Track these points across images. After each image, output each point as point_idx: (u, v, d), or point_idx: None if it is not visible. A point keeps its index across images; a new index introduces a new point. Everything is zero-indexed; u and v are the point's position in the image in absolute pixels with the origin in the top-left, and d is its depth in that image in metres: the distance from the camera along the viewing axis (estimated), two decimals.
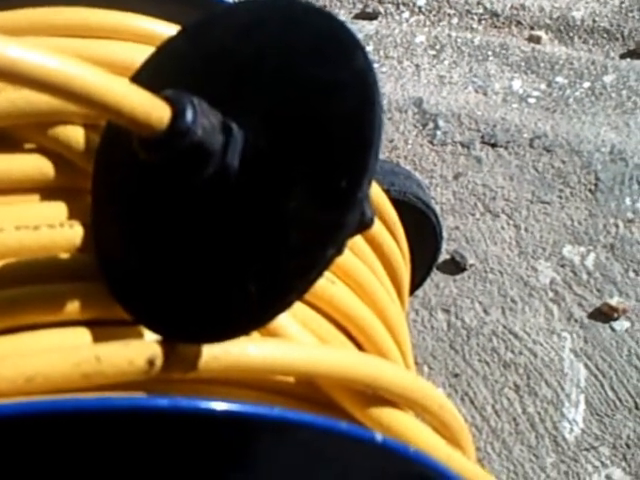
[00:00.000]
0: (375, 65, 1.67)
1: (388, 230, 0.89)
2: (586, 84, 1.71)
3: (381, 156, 1.58)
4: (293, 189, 0.48)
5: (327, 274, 0.74)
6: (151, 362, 0.53)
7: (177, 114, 0.47)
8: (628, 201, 1.47)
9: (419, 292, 1.39)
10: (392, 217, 0.91)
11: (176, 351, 0.54)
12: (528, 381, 1.29)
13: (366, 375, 0.60)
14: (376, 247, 0.85)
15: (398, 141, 1.60)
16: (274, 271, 0.48)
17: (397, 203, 1.18)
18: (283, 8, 0.53)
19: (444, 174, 1.54)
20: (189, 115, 0.47)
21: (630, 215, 1.45)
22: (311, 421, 0.49)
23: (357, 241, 0.81)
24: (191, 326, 0.52)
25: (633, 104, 1.65)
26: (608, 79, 1.72)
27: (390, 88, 1.71)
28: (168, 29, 0.75)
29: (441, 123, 1.62)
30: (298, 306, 0.67)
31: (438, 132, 1.60)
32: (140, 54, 0.64)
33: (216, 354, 0.55)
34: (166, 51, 0.57)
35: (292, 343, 0.60)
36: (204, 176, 0.49)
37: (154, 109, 0.47)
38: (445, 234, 1.44)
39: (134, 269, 0.55)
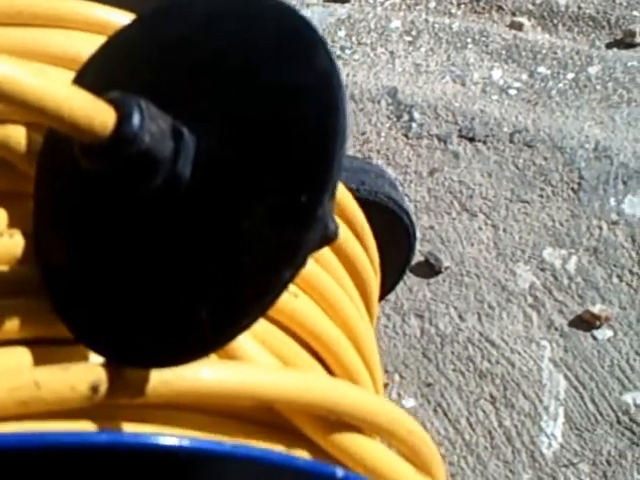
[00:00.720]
0: (347, 51, 1.66)
1: (356, 237, 0.88)
2: (570, 75, 1.70)
3: (352, 150, 1.57)
4: (248, 204, 0.46)
5: (289, 286, 0.72)
6: (95, 388, 0.51)
7: (122, 119, 0.45)
8: (613, 201, 1.47)
9: (391, 296, 1.37)
10: (360, 222, 0.90)
11: (122, 375, 0.52)
12: (505, 392, 1.28)
13: (328, 400, 0.58)
14: (343, 256, 0.84)
15: (370, 133, 1.58)
16: (226, 294, 0.46)
17: (367, 203, 1.17)
18: (243, 1, 0.51)
19: (419, 170, 1.52)
20: (136, 120, 0.45)
21: (614, 217, 1.45)
22: (264, 456, 0.48)
23: (322, 250, 0.79)
24: (137, 350, 0.50)
25: (619, 97, 1.65)
26: (593, 70, 1.71)
27: (363, 77, 1.69)
28: (122, 17, 0.73)
29: (416, 115, 1.61)
30: (258, 322, 0.65)
31: (413, 124, 1.59)
32: (89, 45, 0.62)
33: (167, 378, 0.53)
34: (116, 44, 0.55)
35: (249, 366, 0.59)
36: (152, 186, 0.48)
37: (97, 113, 0.45)
38: (419, 234, 1.43)
39: (78, 284, 0.53)
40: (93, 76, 0.53)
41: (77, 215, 0.53)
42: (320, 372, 0.70)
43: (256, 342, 0.63)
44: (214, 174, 0.48)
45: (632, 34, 1.79)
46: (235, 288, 0.46)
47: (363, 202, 1.16)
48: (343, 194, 0.88)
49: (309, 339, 0.71)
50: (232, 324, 0.46)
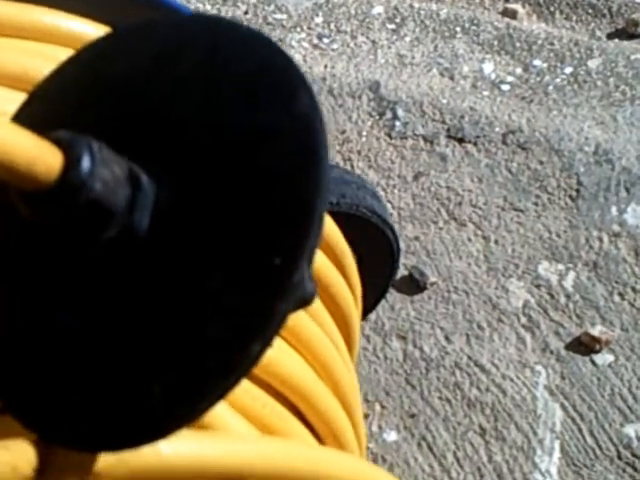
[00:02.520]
0: (325, 40, 1.63)
1: (336, 266, 0.85)
2: (568, 69, 1.67)
3: (330, 151, 1.53)
4: (213, 264, 0.42)
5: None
6: (40, 469, 0.48)
7: (70, 163, 0.41)
8: (614, 211, 1.44)
9: (372, 315, 1.34)
10: (342, 251, 0.87)
11: (71, 453, 0.49)
12: (495, 424, 1.25)
13: (311, 473, 0.55)
14: (323, 289, 0.81)
15: (351, 132, 1.55)
16: (185, 368, 0.42)
17: (349, 218, 1.14)
18: (213, 28, 0.48)
19: (403, 174, 1.49)
20: (85, 165, 0.41)
21: (616, 228, 1.42)
22: None
23: None
24: (76, 430, 0.47)
25: (622, 94, 1.62)
26: (593, 64, 1.69)
27: (342, 69, 1.66)
28: (91, 29, 0.70)
29: (400, 112, 1.57)
30: None
31: (397, 123, 1.56)
32: (42, 64, 0.59)
33: (122, 455, 0.50)
34: (68, 73, 0.51)
35: (216, 435, 0.55)
36: (103, 239, 0.44)
37: (40, 157, 0.41)
38: (403, 246, 1.40)
39: (14, 350, 0.49)
40: (38, 110, 0.50)
41: (14, 269, 0.50)
42: (301, 434, 0.67)
43: (225, 402, 0.59)
44: (175, 228, 0.44)
45: (635, 23, 1.77)
46: (195, 362, 0.43)
47: (344, 216, 1.14)
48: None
49: (287, 392, 0.68)
50: (190, 405, 0.43)
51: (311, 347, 0.76)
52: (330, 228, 0.88)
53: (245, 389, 0.64)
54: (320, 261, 0.82)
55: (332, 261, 0.85)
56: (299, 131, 0.43)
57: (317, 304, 0.80)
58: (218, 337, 0.42)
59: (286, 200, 0.42)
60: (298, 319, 0.75)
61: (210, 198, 0.44)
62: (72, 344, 0.47)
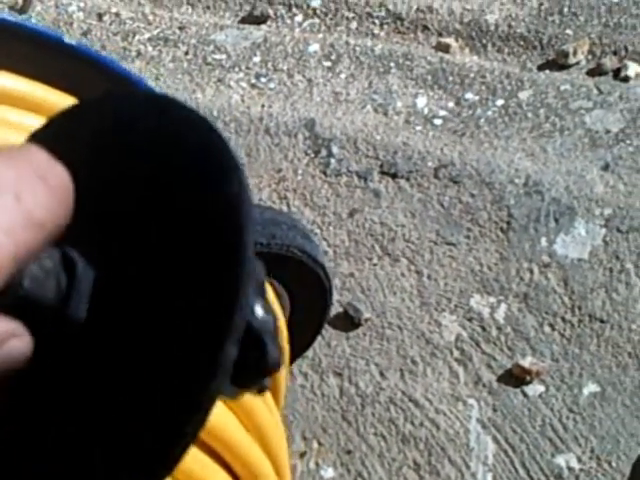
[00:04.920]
0: (262, 80, 1.61)
1: None
2: (499, 102, 1.67)
3: (267, 189, 1.52)
4: (149, 351, 0.41)
5: None
6: None
7: None
8: (544, 242, 1.44)
9: (309, 352, 1.33)
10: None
11: None
12: (429, 458, 1.24)
13: None
14: None
15: (287, 171, 1.54)
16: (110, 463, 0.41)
17: (280, 258, 1.12)
18: (158, 107, 0.46)
19: (338, 211, 1.48)
20: None
21: (546, 259, 1.42)
22: None
23: None
24: None
25: (551, 125, 1.62)
26: (524, 95, 1.68)
27: (279, 108, 1.64)
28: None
29: (335, 150, 1.56)
30: None
31: (332, 160, 1.54)
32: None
33: None
34: None
35: None
36: (37, 334, 0.42)
37: None
38: (338, 283, 1.39)
39: None
40: None
41: None
42: None
43: None
44: (113, 315, 0.42)
45: (565, 55, 1.76)
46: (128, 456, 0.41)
47: (275, 257, 1.12)
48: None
49: (210, 440, 0.68)
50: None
51: (242, 405, 0.75)
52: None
53: None
54: None
55: None
56: (228, 214, 0.42)
57: None
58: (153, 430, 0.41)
59: (211, 285, 0.41)
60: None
61: (145, 281, 0.42)
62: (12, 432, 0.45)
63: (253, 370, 0.43)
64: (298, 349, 1.28)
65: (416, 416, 1.27)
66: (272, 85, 1.70)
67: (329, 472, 1.23)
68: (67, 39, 0.81)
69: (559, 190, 1.49)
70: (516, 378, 1.30)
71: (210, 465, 0.70)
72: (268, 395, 0.87)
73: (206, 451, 0.72)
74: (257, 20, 1.87)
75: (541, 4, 1.87)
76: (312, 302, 1.23)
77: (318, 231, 1.44)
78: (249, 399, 0.80)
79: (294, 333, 1.22)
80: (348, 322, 1.36)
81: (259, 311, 0.43)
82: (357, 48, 1.78)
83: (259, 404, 0.82)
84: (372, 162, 1.54)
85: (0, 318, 0.39)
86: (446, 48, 1.80)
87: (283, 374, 0.95)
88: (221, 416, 0.75)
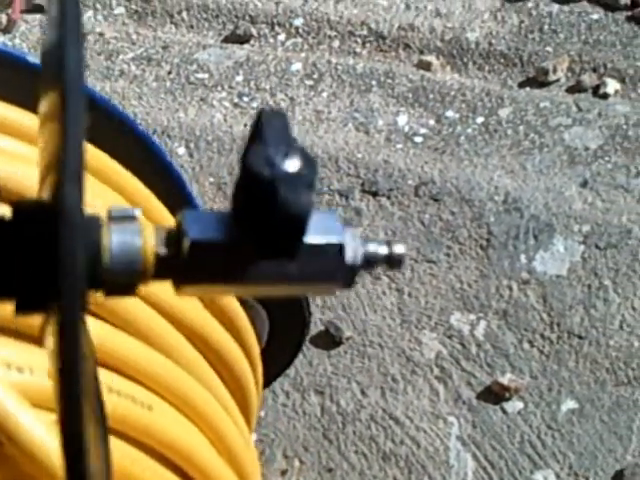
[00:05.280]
0: (245, 99, 1.63)
1: (230, 331, 0.85)
2: (479, 119, 1.68)
3: None
4: None
5: (142, 398, 0.69)
6: None
7: None
8: (523, 258, 1.45)
9: (290, 371, 1.33)
10: (234, 312, 0.86)
11: None
12: (409, 476, 1.25)
13: None
14: (215, 358, 0.81)
15: None
16: None
17: None
18: None
19: None
20: None
21: (525, 275, 1.43)
22: None
23: (189, 353, 0.77)
24: None
25: (531, 143, 1.63)
26: (504, 113, 1.69)
27: None
28: None
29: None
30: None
31: None
32: None
33: None
34: None
35: None
36: None
37: None
38: (319, 301, 1.40)
39: None
40: None
41: None
42: None
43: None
44: None
45: (545, 72, 1.78)
46: None
47: None
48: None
49: (170, 454, 0.68)
50: None
51: (205, 418, 0.76)
52: (232, 307, 0.87)
53: (125, 452, 0.64)
54: (212, 327, 0.82)
55: (226, 327, 0.85)
56: None
57: (209, 374, 0.80)
58: None
59: None
60: (189, 389, 0.75)
61: None
62: None
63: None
64: (279, 368, 1.29)
65: (397, 434, 1.28)
66: (254, 104, 1.71)
67: None
68: (31, 58, 0.81)
69: (538, 207, 1.51)
70: (495, 395, 1.31)
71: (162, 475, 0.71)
72: (240, 418, 0.88)
73: (178, 474, 0.73)
74: (240, 39, 1.88)
75: (521, 22, 1.89)
76: (291, 321, 1.23)
77: None
78: (220, 422, 0.80)
79: (275, 352, 1.23)
80: (329, 340, 1.37)
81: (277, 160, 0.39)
82: (339, 67, 1.79)
83: (230, 427, 0.83)
84: (353, 180, 1.55)
85: None
86: (427, 66, 1.81)
87: (254, 396, 0.96)
88: (192, 438, 0.76)
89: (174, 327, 0.78)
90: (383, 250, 0.45)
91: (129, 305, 0.71)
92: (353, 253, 0.43)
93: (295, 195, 0.38)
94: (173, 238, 0.41)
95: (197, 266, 0.41)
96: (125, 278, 0.40)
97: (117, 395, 0.66)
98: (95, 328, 0.58)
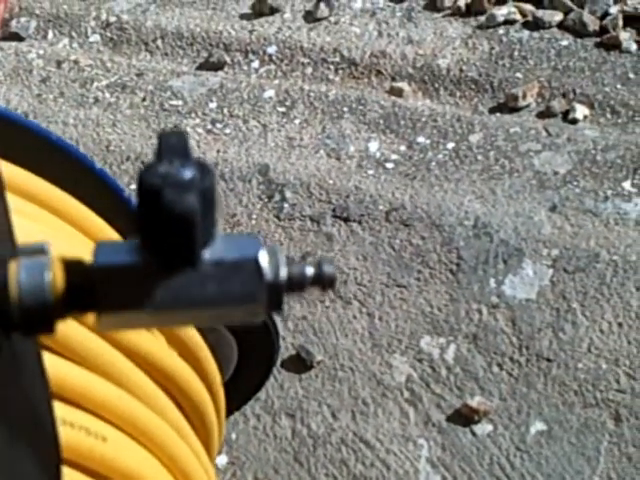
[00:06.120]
0: (218, 125, 1.64)
1: (191, 362, 0.85)
2: (450, 145, 1.70)
3: (222, 232, 1.53)
4: None
5: (94, 429, 0.70)
6: None
7: None
8: (493, 283, 1.46)
9: (261, 394, 1.34)
10: (195, 342, 0.87)
11: None
12: None
13: None
14: (171, 385, 0.82)
15: (241, 216, 1.56)
16: None
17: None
18: None
19: (291, 254, 1.50)
20: None
21: (494, 299, 1.44)
22: None
23: (143, 382, 0.77)
24: None
25: (501, 167, 1.65)
26: (474, 138, 1.71)
27: (234, 153, 1.67)
28: None
29: (288, 194, 1.58)
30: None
31: (285, 205, 1.57)
32: None
33: None
34: None
35: None
36: None
37: None
38: (291, 325, 1.41)
39: None
40: None
41: None
42: None
43: None
44: None
45: (515, 98, 1.80)
46: None
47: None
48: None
49: None
50: None
51: (161, 446, 0.77)
52: (190, 336, 0.88)
53: None
54: (169, 358, 0.83)
55: (184, 357, 0.85)
56: None
57: (164, 403, 0.81)
58: None
59: None
60: (145, 419, 0.76)
61: None
62: None
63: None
64: (248, 392, 1.30)
65: (367, 456, 1.29)
66: (228, 130, 1.72)
67: None
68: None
69: (507, 232, 1.52)
70: (465, 417, 1.32)
71: None
72: (198, 445, 0.88)
73: None
74: (214, 66, 1.89)
75: (492, 48, 1.91)
76: (259, 346, 1.24)
77: None
78: (176, 449, 0.81)
79: (245, 376, 1.24)
80: (300, 364, 1.38)
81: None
82: (311, 93, 1.81)
83: (187, 453, 0.83)
84: (325, 206, 1.56)
85: None
86: (399, 92, 1.83)
87: (214, 423, 0.96)
88: (148, 466, 0.76)
89: (129, 359, 0.78)
90: (310, 271, 0.43)
91: (83, 338, 0.72)
92: (273, 271, 0.42)
93: (179, 197, 0.38)
94: (83, 267, 0.40)
95: (107, 292, 0.40)
96: (38, 312, 0.39)
97: (70, 427, 0.67)
98: (50, 362, 0.58)
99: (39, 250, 0.41)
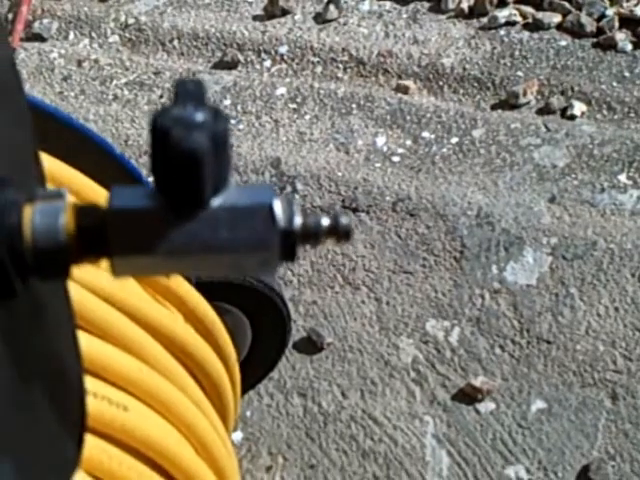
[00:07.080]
0: (232, 121, 1.67)
1: (206, 337, 0.88)
2: (454, 139, 1.73)
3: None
4: None
5: (116, 398, 0.72)
6: None
7: None
8: (495, 269, 1.50)
9: (274, 374, 1.38)
10: (210, 320, 0.90)
11: None
12: (388, 472, 1.29)
13: None
14: (188, 359, 0.84)
15: None
16: None
17: (238, 288, 1.17)
18: None
19: None
20: None
21: (496, 285, 1.48)
22: None
23: (161, 355, 0.80)
24: None
25: (502, 161, 1.68)
26: (477, 133, 1.75)
27: (247, 148, 1.71)
28: None
29: (300, 186, 1.62)
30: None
31: (296, 196, 1.60)
32: None
33: None
34: None
35: None
36: None
37: None
38: (302, 309, 1.44)
39: None
40: None
41: None
42: None
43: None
44: None
45: (516, 95, 1.83)
46: None
47: (234, 287, 1.17)
48: (189, 292, 0.88)
49: (147, 451, 0.72)
50: None
51: (181, 417, 0.79)
52: (196, 300, 0.90)
53: (101, 449, 0.67)
54: (188, 334, 0.85)
55: (201, 333, 0.88)
56: None
57: (182, 376, 0.84)
58: None
59: None
60: (163, 389, 0.78)
61: None
62: None
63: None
64: (262, 371, 1.33)
65: (375, 432, 1.32)
66: (241, 126, 1.76)
67: None
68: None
69: (509, 221, 1.56)
70: (469, 396, 1.36)
71: (141, 470, 0.73)
72: (216, 418, 0.90)
73: (156, 470, 0.75)
74: (228, 65, 1.93)
75: (494, 48, 1.94)
76: (273, 328, 1.27)
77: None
78: (196, 421, 0.83)
79: (258, 357, 1.27)
80: (311, 346, 1.42)
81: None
82: (321, 91, 1.84)
83: (206, 426, 0.85)
84: (334, 197, 1.60)
85: None
86: (405, 90, 1.86)
87: (231, 398, 0.99)
88: (168, 436, 0.78)
89: (150, 335, 0.80)
90: (325, 221, 0.43)
91: (106, 314, 0.74)
92: (286, 218, 0.41)
93: (188, 134, 0.37)
94: (98, 211, 0.40)
95: (120, 236, 0.40)
96: (52, 255, 0.39)
97: (93, 396, 0.69)
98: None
99: (56, 195, 0.41)
